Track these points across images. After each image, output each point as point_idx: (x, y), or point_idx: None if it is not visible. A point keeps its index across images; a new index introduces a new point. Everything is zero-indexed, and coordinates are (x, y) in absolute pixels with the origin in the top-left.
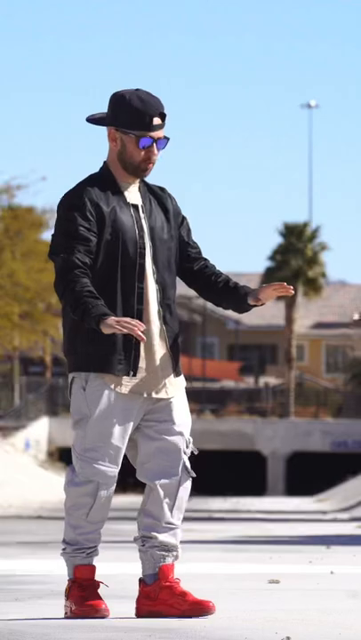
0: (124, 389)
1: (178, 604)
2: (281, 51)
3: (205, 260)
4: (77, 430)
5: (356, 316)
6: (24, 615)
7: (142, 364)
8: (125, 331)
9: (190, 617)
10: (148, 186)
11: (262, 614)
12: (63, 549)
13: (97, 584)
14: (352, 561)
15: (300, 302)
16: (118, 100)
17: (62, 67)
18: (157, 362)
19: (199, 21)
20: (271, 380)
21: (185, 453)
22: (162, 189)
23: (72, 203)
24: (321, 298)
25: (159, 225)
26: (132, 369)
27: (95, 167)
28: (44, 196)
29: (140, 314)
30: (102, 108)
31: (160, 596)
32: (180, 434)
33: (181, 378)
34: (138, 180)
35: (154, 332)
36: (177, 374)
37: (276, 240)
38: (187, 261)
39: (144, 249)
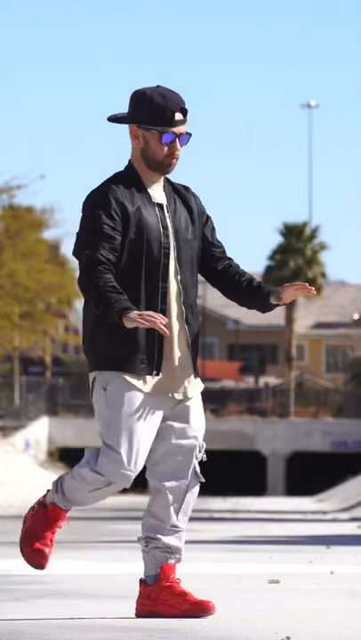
0: (146, 388)
1: (178, 604)
2: (281, 51)
3: (230, 259)
4: (101, 429)
5: (356, 316)
6: (24, 615)
7: (164, 363)
8: (148, 325)
9: (190, 617)
10: (172, 185)
11: (262, 614)
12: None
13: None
14: (352, 561)
15: (300, 302)
16: (139, 97)
17: (62, 67)
18: (178, 362)
19: (199, 21)
20: (271, 380)
21: (196, 458)
22: (186, 188)
23: (97, 201)
24: (321, 298)
25: (183, 225)
26: (155, 368)
27: (95, 167)
28: (44, 196)
29: (164, 313)
30: (102, 107)
31: (160, 596)
32: (195, 438)
33: (199, 379)
34: (163, 179)
35: (175, 332)
36: (196, 375)
37: (276, 240)
38: (210, 260)
39: (168, 249)
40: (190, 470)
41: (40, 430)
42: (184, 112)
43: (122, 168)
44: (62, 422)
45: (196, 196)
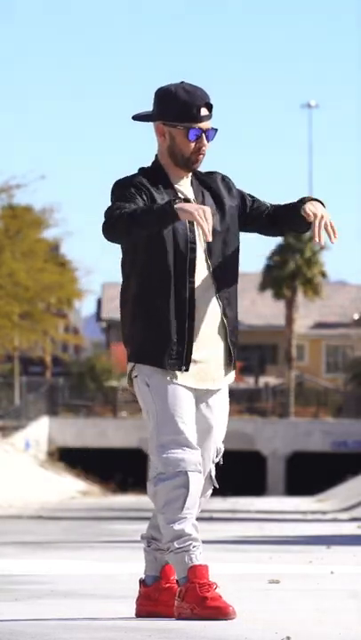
0: (181, 380)
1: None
2: (281, 51)
3: (266, 206)
4: (151, 426)
5: (356, 316)
6: (24, 615)
7: (196, 356)
8: (199, 221)
9: None
10: (199, 178)
11: (262, 614)
12: (169, 549)
13: (212, 584)
14: (352, 561)
15: (300, 302)
16: (164, 93)
17: (61, 66)
18: (212, 354)
19: (199, 22)
20: (271, 380)
21: (213, 462)
22: (211, 174)
23: (126, 183)
24: (321, 298)
25: (214, 219)
26: (185, 364)
27: (94, 166)
28: (44, 196)
29: (193, 308)
30: (102, 107)
31: (161, 597)
32: (214, 441)
33: (232, 373)
34: (190, 174)
35: (209, 325)
36: (230, 368)
37: (276, 240)
38: (257, 219)
39: (195, 243)
40: (206, 474)
41: (40, 430)
42: (209, 107)
43: (122, 170)
44: (62, 422)
45: (225, 178)
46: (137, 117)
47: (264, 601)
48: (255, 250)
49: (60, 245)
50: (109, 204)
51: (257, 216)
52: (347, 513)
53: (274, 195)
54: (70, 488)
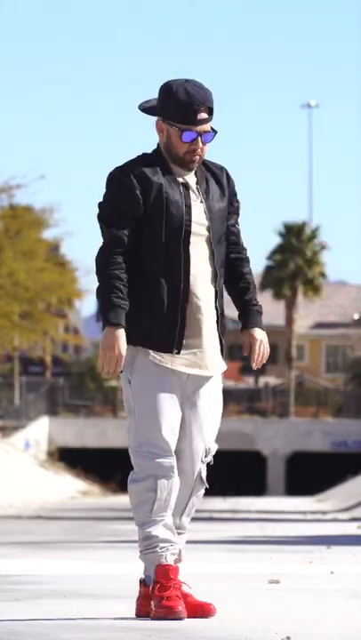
0: (172, 364)
1: None
2: (281, 51)
3: (241, 250)
4: (131, 423)
5: (356, 316)
6: (24, 615)
7: (190, 341)
8: (101, 361)
9: (192, 618)
10: (206, 165)
11: (262, 614)
12: (140, 550)
13: (178, 585)
14: (352, 561)
15: (300, 302)
16: (166, 91)
17: (61, 66)
18: (204, 340)
19: (199, 22)
20: (271, 380)
21: (202, 462)
22: (220, 168)
23: (120, 179)
24: (321, 298)
25: (217, 205)
26: (176, 347)
27: (94, 166)
28: (44, 196)
29: (187, 291)
30: (102, 107)
31: None
32: (203, 441)
33: (223, 363)
34: (191, 171)
35: (203, 309)
36: (221, 355)
37: (276, 240)
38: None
39: (190, 226)
40: (195, 474)
41: (40, 430)
42: (209, 111)
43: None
44: (62, 422)
45: (230, 177)
46: (142, 109)
47: (264, 601)
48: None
49: (60, 245)
50: (103, 198)
51: (234, 260)
52: (347, 513)
53: (274, 195)
54: (70, 488)
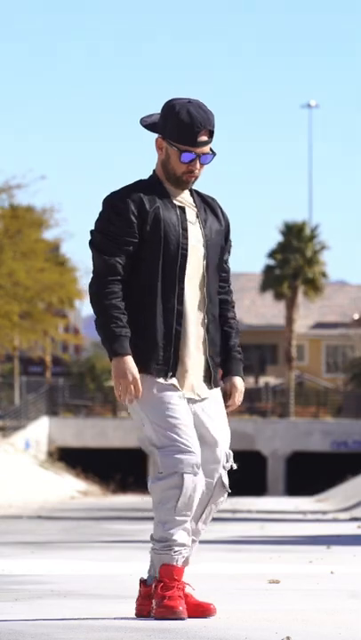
0: (168, 387)
1: None
2: (281, 51)
3: (228, 291)
4: (148, 430)
5: (356, 316)
6: (24, 615)
7: (182, 364)
8: (118, 391)
9: (192, 618)
10: (200, 195)
11: (262, 614)
12: (153, 548)
13: (182, 585)
14: (352, 561)
15: (300, 302)
16: (168, 110)
17: (61, 66)
18: (192, 366)
19: (199, 22)
20: (271, 380)
21: (224, 468)
22: (213, 199)
23: (116, 204)
24: (321, 298)
25: (214, 234)
26: (171, 370)
27: (94, 166)
28: (44, 196)
29: (181, 314)
30: (102, 107)
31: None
32: (219, 446)
33: (218, 391)
34: (186, 190)
35: (194, 337)
36: (212, 385)
37: (276, 239)
38: None
39: (186, 250)
40: (216, 479)
41: (40, 430)
42: (210, 133)
43: (122, 170)
44: (62, 422)
45: (223, 210)
46: (144, 125)
47: (264, 601)
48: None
49: (60, 245)
50: (95, 224)
51: (221, 303)
52: (347, 513)
53: (274, 194)
54: (70, 488)
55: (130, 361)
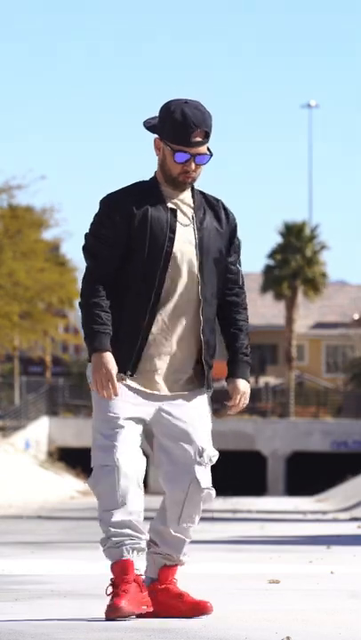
0: (128, 382)
1: (176, 605)
2: (281, 51)
3: (238, 292)
4: (93, 423)
5: (356, 316)
6: (24, 615)
7: (154, 363)
8: (95, 386)
9: (189, 617)
10: (204, 196)
11: (262, 614)
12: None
13: (129, 579)
14: (352, 561)
15: (300, 302)
16: (164, 110)
17: (60, 66)
18: (173, 364)
19: (199, 21)
20: (271, 380)
21: (198, 464)
22: (217, 200)
23: (107, 207)
24: (321, 298)
25: (212, 237)
26: (130, 369)
27: (94, 167)
28: (44, 196)
29: (153, 315)
30: (102, 107)
31: (158, 598)
32: (193, 442)
33: (205, 392)
34: (189, 190)
35: (178, 337)
36: (202, 385)
37: (276, 239)
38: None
39: (170, 252)
40: (190, 476)
41: (40, 430)
42: (206, 134)
43: (122, 170)
44: (62, 422)
45: (228, 211)
46: (147, 126)
47: (264, 601)
48: (255, 249)
49: (60, 245)
50: (89, 226)
51: (230, 303)
52: (347, 513)
53: (274, 194)
54: (70, 488)
55: (107, 356)
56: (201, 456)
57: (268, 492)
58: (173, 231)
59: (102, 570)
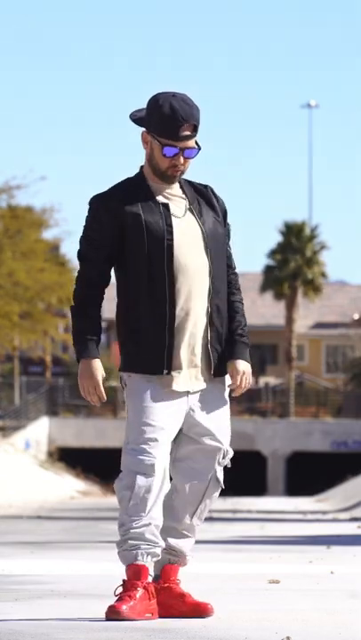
0: (161, 385)
1: (177, 605)
2: (281, 51)
3: (232, 274)
4: (127, 425)
5: (356, 316)
6: (24, 615)
7: (177, 361)
8: (83, 395)
9: (189, 618)
10: (193, 186)
11: (262, 614)
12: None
13: (141, 585)
14: (352, 561)
15: (300, 302)
16: (152, 103)
17: (60, 66)
18: (195, 360)
19: (199, 21)
20: (271, 380)
21: (219, 464)
22: (205, 187)
23: (94, 208)
24: (321, 298)
25: (212, 224)
26: (166, 367)
27: (94, 167)
28: (44, 196)
29: (173, 314)
30: (102, 107)
31: (159, 597)
32: (218, 442)
33: (221, 378)
34: (173, 185)
35: (197, 330)
36: (218, 374)
37: (276, 239)
38: None
39: (172, 246)
40: (210, 474)
41: (40, 430)
42: (194, 127)
43: (122, 170)
44: (62, 422)
45: (218, 196)
46: (133, 119)
47: (264, 601)
48: (255, 249)
49: (60, 245)
50: (84, 224)
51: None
52: (347, 513)
53: (274, 194)
54: (70, 488)
55: (94, 363)
56: (224, 457)
57: (268, 492)
58: (170, 224)
59: (102, 570)
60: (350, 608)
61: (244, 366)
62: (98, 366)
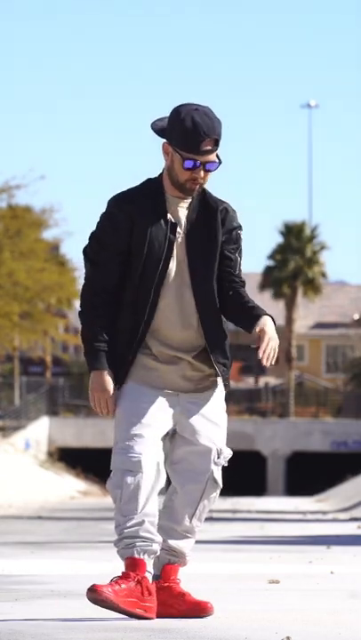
0: (147, 383)
1: (177, 604)
2: (281, 51)
3: (236, 282)
4: (116, 425)
5: (356, 316)
6: (24, 615)
7: (167, 366)
8: (93, 404)
9: (189, 617)
10: (204, 198)
11: (262, 614)
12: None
13: (138, 578)
14: (352, 561)
15: (300, 302)
16: (174, 116)
17: (61, 66)
18: (185, 364)
19: (199, 21)
20: (271, 380)
21: (215, 464)
22: (216, 203)
23: (110, 210)
24: (321, 298)
25: (198, 240)
26: (118, 382)
27: (94, 167)
28: (44, 196)
29: (149, 321)
30: (102, 107)
31: (159, 596)
32: (211, 441)
33: (219, 384)
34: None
35: (182, 337)
36: (215, 377)
37: (276, 240)
38: (219, 279)
39: (168, 264)
40: (207, 475)
41: (40, 430)
42: (215, 141)
43: (122, 170)
44: (62, 422)
45: (228, 211)
46: (155, 129)
47: (264, 601)
48: (255, 249)
49: (60, 245)
50: (98, 222)
51: (222, 277)
52: (347, 513)
53: (274, 194)
54: (70, 488)
55: (105, 375)
56: (219, 457)
57: (268, 492)
58: (172, 242)
59: (102, 570)
60: (350, 608)
61: (268, 324)
62: (108, 379)
